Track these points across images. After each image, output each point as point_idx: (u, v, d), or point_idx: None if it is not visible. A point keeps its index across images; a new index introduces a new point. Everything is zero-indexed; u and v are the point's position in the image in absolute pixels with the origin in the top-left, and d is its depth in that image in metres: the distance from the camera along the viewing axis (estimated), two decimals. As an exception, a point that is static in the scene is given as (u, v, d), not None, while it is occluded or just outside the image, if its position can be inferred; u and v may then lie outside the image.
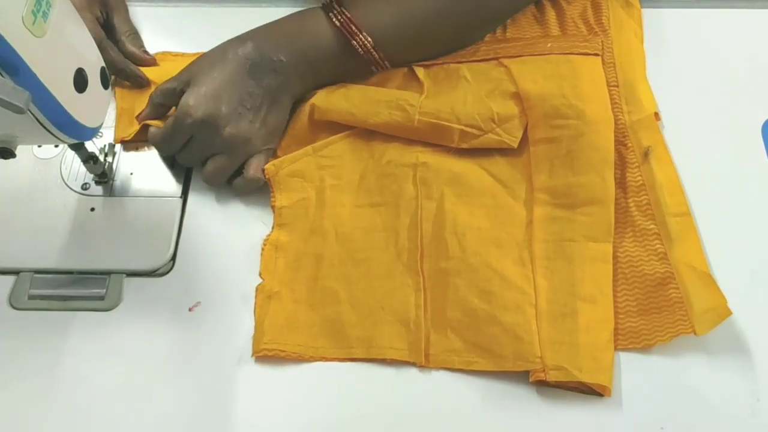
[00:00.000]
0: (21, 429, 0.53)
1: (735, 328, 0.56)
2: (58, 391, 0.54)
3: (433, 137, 0.63)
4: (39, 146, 0.64)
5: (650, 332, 0.55)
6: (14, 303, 0.58)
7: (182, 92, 0.61)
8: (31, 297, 0.58)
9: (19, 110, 0.43)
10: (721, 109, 0.67)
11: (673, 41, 0.71)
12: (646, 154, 0.62)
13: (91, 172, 0.61)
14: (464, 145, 0.62)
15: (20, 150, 0.51)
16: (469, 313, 0.55)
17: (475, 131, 0.62)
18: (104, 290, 0.58)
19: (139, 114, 0.64)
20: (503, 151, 0.63)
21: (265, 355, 0.55)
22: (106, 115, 0.53)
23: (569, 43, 0.67)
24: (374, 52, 0.63)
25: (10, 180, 0.63)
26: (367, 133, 0.64)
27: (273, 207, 0.62)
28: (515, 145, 0.62)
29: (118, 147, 0.64)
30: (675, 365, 0.55)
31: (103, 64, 0.53)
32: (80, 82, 0.49)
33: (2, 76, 0.44)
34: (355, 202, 0.62)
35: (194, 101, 0.59)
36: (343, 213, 0.61)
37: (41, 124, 0.47)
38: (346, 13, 0.62)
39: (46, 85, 0.46)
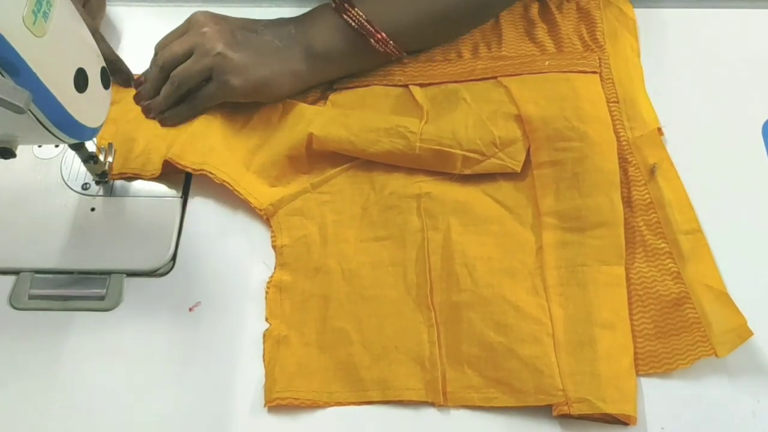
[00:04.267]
0: (21, 429, 0.53)
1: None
2: (58, 391, 0.55)
3: (436, 164, 0.62)
4: (39, 146, 0.64)
5: (670, 356, 0.54)
6: (14, 303, 0.58)
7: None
8: (32, 297, 0.58)
9: (19, 110, 0.43)
10: (721, 109, 0.67)
11: (673, 41, 0.71)
12: (652, 171, 0.61)
13: (91, 172, 0.61)
14: (467, 171, 0.61)
15: (20, 150, 0.51)
16: (485, 348, 0.54)
17: (477, 156, 0.61)
18: (104, 290, 0.58)
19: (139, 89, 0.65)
20: (507, 175, 0.62)
21: (278, 404, 0.53)
22: (106, 115, 0.53)
23: (567, 61, 0.66)
24: (392, 48, 0.64)
25: (10, 180, 0.62)
26: (367, 165, 0.63)
27: (274, 247, 0.60)
28: (518, 170, 0.61)
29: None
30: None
31: (104, 64, 0.53)
32: (80, 82, 0.49)
33: (3, 76, 0.44)
34: (359, 237, 0.60)
35: (201, 14, 0.64)
36: (348, 249, 0.59)
37: (42, 124, 0.47)
38: (362, 15, 0.62)
39: (47, 85, 0.45)
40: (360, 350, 0.55)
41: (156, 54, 0.65)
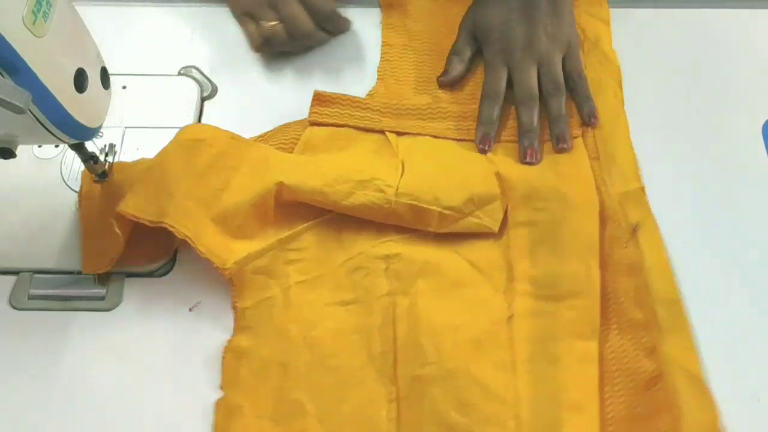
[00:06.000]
0: (21, 429, 0.53)
1: (734, 326, 0.56)
2: (58, 391, 0.55)
3: (411, 220, 0.58)
4: (39, 146, 0.64)
5: None
6: (14, 303, 0.58)
7: None
8: (31, 297, 0.58)
9: (19, 110, 0.43)
10: (721, 109, 0.67)
11: (673, 41, 0.71)
12: (634, 231, 0.59)
13: (91, 172, 0.61)
14: (443, 230, 0.58)
15: (20, 150, 0.51)
16: (446, 429, 0.51)
17: (454, 214, 0.58)
18: (104, 290, 0.58)
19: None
20: (482, 234, 0.59)
21: None
22: (106, 115, 0.53)
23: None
24: None
25: (10, 180, 0.62)
26: (336, 221, 0.59)
27: (234, 308, 0.57)
28: (496, 229, 0.58)
29: (118, 147, 0.64)
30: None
31: (104, 64, 0.52)
32: (80, 82, 0.49)
33: (2, 76, 0.43)
34: (325, 300, 0.57)
35: None
36: (312, 313, 0.56)
37: (41, 124, 0.47)
38: None
39: (47, 85, 0.45)
40: (314, 424, 0.52)
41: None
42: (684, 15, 0.73)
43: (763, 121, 0.66)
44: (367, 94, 0.67)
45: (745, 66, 0.70)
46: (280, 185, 0.58)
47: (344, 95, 0.66)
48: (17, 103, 0.43)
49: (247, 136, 0.65)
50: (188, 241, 0.56)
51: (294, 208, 0.59)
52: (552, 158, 0.62)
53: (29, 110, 0.45)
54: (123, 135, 0.65)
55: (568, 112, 0.64)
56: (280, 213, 0.59)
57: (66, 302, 0.58)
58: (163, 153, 0.58)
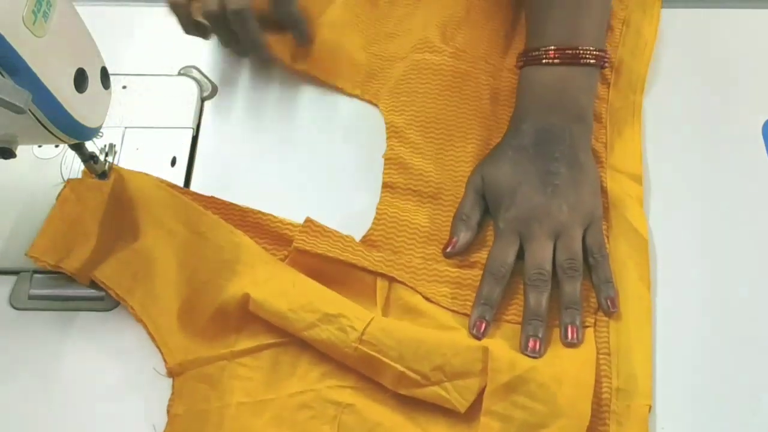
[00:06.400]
0: (21, 429, 0.53)
1: (735, 326, 0.56)
2: (58, 391, 0.55)
3: (368, 370, 0.53)
4: (39, 146, 0.64)
5: None
6: (14, 303, 0.58)
7: None
8: (31, 297, 0.58)
9: (19, 110, 0.43)
10: (721, 109, 0.67)
11: (674, 41, 0.71)
12: None
13: (91, 172, 0.61)
14: (402, 391, 0.52)
15: (20, 150, 0.51)
16: None
17: (418, 378, 0.51)
18: (104, 290, 0.58)
19: None
20: (450, 411, 0.51)
21: None
22: (106, 115, 0.53)
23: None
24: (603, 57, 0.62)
25: (10, 180, 0.62)
26: (299, 345, 0.54)
27: (168, 412, 0.53)
28: (462, 410, 0.51)
29: (118, 147, 0.64)
30: (675, 363, 0.55)
31: (104, 64, 0.53)
32: (80, 82, 0.49)
33: (2, 76, 0.44)
34: (261, 431, 0.52)
35: None
36: None
37: (41, 124, 0.47)
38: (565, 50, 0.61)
39: (47, 85, 0.45)
40: None
41: None
42: (683, 15, 0.73)
43: (763, 121, 0.66)
44: (363, 237, 0.59)
45: (745, 66, 0.70)
46: (247, 296, 0.54)
47: (337, 232, 0.58)
48: (17, 103, 0.43)
49: (247, 137, 0.66)
50: (142, 324, 0.55)
51: (260, 320, 0.55)
52: (555, 349, 0.54)
53: (29, 110, 0.45)
54: (123, 135, 0.65)
55: (582, 294, 0.55)
56: (247, 318, 0.55)
57: (66, 302, 0.58)
58: (154, 230, 0.58)
